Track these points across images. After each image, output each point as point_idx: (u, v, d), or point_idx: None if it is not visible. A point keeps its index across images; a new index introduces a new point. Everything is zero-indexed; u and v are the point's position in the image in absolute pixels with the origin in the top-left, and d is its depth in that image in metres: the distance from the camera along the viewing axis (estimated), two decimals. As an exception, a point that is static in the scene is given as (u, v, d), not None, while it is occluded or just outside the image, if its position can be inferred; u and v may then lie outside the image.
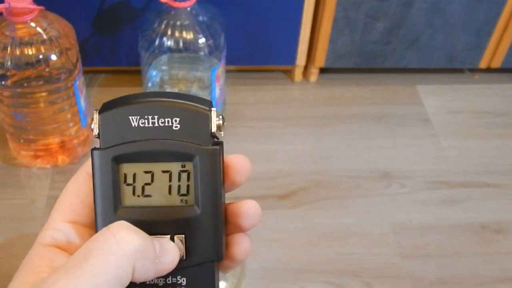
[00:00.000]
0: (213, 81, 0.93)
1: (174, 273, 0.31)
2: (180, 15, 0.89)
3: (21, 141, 0.93)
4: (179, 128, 0.31)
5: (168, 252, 0.30)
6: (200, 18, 0.90)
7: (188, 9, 0.88)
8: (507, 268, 0.85)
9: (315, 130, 1.05)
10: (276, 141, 1.02)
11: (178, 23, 0.89)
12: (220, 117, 0.31)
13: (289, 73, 1.15)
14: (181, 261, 0.31)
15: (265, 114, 1.07)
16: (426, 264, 0.85)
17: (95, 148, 0.31)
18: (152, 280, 0.31)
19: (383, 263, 0.85)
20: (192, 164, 0.31)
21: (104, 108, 0.31)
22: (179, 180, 0.32)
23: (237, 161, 0.32)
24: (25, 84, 0.85)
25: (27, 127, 0.91)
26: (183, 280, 0.32)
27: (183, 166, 0.31)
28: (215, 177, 0.31)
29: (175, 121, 0.31)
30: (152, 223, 0.31)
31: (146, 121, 0.31)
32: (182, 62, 0.96)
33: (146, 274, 0.28)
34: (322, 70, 1.14)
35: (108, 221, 0.30)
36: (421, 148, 1.03)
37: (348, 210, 0.92)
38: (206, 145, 0.31)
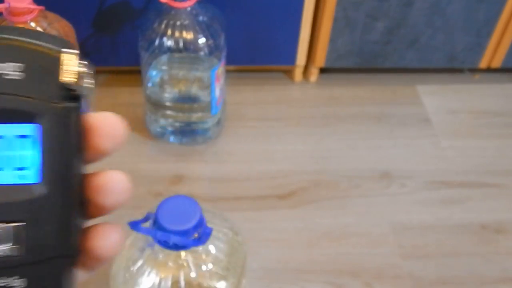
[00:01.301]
0: (213, 81, 0.93)
1: (8, 273, 0.23)
2: (180, 15, 0.89)
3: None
4: (20, 79, 0.23)
5: None
6: (200, 18, 0.90)
7: (188, 9, 0.88)
8: (507, 268, 0.85)
9: (315, 130, 1.05)
10: (276, 141, 1.02)
11: (178, 23, 0.89)
12: (83, 63, 0.24)
13: (289, 73, 1.15)
14: (18, 257, 0.23)
15: (265, 114, 1.07)
16: (426, 264, 0.85)
17: None
18: None
19: (383, 263, 0.85)
20: (35, 128, 0.23)
21: None
22: (16, 148, 0.23)
23: (102, 122, 0.24)
24: (25, 84, 0.85)
25: (27, 127, 0.91)
26: (23, 282, 0.24)
27: (23, 129, 0.23)
28: (67, 144, 0.23)
29: (15, 67, 0.23)
30: None
31: None
32: (182, 62, 0.96)
33: None
34: (322, 70, 1.14)
35: None
36: (421, 148, 1.03)
37: (348, 210, 0.92)
38: (55, 101, 0.23)
